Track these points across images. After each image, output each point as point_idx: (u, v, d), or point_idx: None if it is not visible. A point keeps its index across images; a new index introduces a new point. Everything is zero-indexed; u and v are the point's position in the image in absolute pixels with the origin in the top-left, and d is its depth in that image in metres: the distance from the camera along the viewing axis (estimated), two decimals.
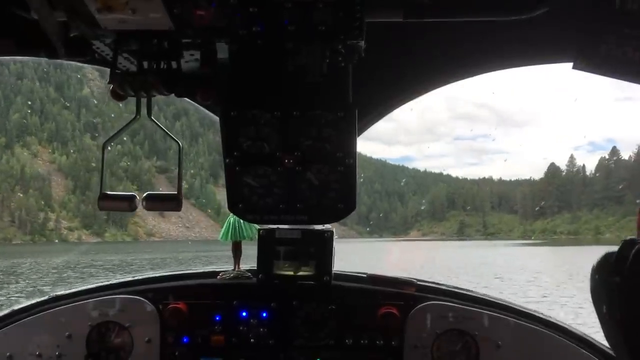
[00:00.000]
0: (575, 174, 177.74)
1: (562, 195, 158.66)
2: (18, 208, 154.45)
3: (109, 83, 1.86)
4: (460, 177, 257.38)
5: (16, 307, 2.82)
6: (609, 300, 1.68)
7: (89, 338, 2.72)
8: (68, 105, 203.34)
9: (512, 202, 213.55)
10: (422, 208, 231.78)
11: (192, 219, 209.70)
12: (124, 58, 1.88)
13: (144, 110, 2.05)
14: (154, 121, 2.08)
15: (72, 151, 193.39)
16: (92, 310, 2.73)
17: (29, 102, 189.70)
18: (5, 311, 2.82)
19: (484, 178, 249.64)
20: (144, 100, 2.08)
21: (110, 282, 2.94)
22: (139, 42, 1.77)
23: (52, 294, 2.86)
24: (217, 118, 2.34)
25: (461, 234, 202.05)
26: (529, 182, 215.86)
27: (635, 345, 1.65)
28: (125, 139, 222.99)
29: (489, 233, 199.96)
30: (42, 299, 2.85)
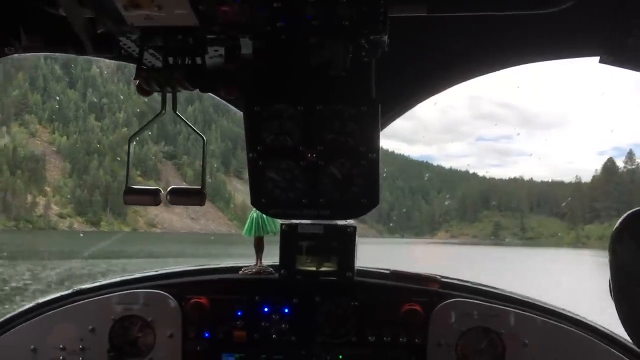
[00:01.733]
0: (634, 172, 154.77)
1: (621, 195, 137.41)
2: (2, 190, 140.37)
3: (134, 79, 1.88)
4: (488, 177, 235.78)
5: (40, 300, 2.86)
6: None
7: (112, 332, 2.75)
8: (65, 81, 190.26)
9: (552, 204, 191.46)
10: (446, 203, 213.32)
11: (198, 210, 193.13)
12: (150, 54, 1.90)
13: (169, 106, 2.08)
14: (179, 116, 2.09)
15: (73, 132, 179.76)
16: (115, 305, 2.76)
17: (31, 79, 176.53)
18: (30, 304, 2.85)
19: (514, 178, 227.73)
20: (168, 95, 2.09)
21: (133, 276, 2.95)
22: (164, 39, 1.79)
23: (76, 288, 2.88)
24: (232, 107, 2.39)
25: (496, 237, 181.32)
26: (574, 184, 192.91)
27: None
28: (134, 119, 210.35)
29: (527, 237, 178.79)
30: (66, 292, 2.87)
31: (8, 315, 2.83)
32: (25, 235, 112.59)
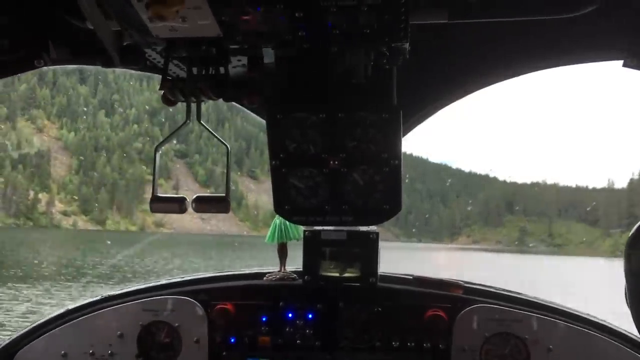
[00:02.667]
0: None
1: None
2: (3, 186, 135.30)
3: (160, 89, 1.91)
4: (509, 181, 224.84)
5: (70, 306, 2.92)
6: None
7: (140, 337, 2.80)
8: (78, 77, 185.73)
9: (580, 209, 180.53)
10: (469, 209, 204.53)
11: None
12: (174, 65, 1.93)
13: (193, 115, 2.12)
14: (203, 125, 2.11)
15: (82, 128, 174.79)
16: (143, 310, 2.82)
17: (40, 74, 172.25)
18: (60, 311, 2.92)
19: (537, 182, 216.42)
20: (193, 105, 2.13)
21: (160, 282, 3.01)
22: (188, 49, 1.82)
23: (105, 295, 2.96)
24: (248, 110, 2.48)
25: (522, 243, 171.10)
26: (607, 189, 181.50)
27: None
28: (145, 116, 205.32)
29: (556, 244, 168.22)
30: (95, 299, 2.94)
31: (39, 321, 2.90)
32: (33, 233, 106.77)
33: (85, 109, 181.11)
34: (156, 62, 1.96)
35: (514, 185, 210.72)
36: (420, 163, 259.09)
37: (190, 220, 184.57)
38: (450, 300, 2.70)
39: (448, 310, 2.66)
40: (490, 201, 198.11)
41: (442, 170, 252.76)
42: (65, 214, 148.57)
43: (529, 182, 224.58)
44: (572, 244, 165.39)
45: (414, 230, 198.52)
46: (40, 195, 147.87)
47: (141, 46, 1.82)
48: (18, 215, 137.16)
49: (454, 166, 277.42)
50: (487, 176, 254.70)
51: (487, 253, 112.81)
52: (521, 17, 2.01)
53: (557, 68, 2.49)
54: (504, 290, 2.88)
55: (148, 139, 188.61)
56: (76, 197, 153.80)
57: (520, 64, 2.47)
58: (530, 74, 2.52)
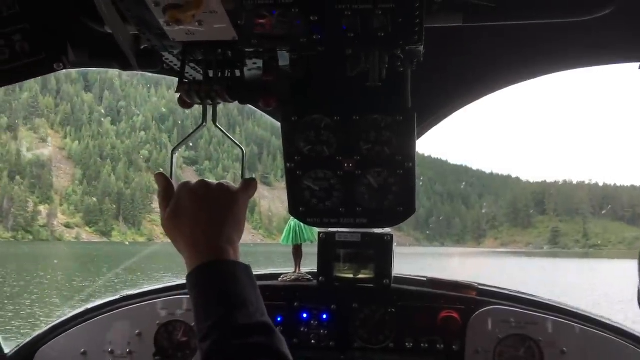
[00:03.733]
0: None
1: None
2: (1, 197, 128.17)
3: (176, 92, 1.95)
4: (534, 181, 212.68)
5: (89, 305, 2.97)
6: None
7: (157, 336, 2.82)
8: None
9: (616, 207, 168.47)
10: (483, 212, 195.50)
11: None
12: (191, 68, 1.97)
13: (209, 117, 2.08)
14: (219, 128, 2.11)
15: (87, 136, 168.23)
16: (160, 310, 2.83)
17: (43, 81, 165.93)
18: (79, 309, 2.97)
19: (569, 181, 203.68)
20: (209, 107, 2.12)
21: (177, 282, 3.03)
22: (204, 53, 1.86)
23: (123, 294, 2.99)
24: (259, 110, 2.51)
25: (554, 244, 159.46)
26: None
27: None
28: (153, 123, 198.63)
29: (592, 245, 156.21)
30: (113, 298, 2.97)
31: (59, 320, 2.94)
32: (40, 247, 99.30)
33: (90, 116, 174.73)
34: (173, 65, 1.98)
35: (542, 184, 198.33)
36: (440, 164, 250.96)
37: None
38: (464, 302, 2.69)
39: (462, 311, 2.66)
40: (519, 201, 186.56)
41: (463, 171, 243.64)
42: (67, 226, 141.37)
43: (559, 180, 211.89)
44: (610, 244, 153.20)
45: (428, 232, 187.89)
46: (41, 207, 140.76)
47: (158, 50, 1.84)
48: (16, 228, 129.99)
49: (475, 167, 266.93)
50: (509, 176, 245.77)
51: (521, 258, 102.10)
52: (536, 21, 2.03)
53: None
54: (518, 292, 2.89)
55: (156, 146, 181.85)
56: (80, 209, 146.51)
57: (535, 66, 2.47)
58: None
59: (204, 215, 1.59)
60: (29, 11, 1.99)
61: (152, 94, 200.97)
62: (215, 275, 1.52)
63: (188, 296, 2.16)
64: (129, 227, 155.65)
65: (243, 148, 2.06)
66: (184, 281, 2.71)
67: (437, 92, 2.56)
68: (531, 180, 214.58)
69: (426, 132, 2.73)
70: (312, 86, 2.21)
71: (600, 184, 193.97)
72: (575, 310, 2.75)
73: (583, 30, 2.12)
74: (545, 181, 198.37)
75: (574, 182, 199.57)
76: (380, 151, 2.27)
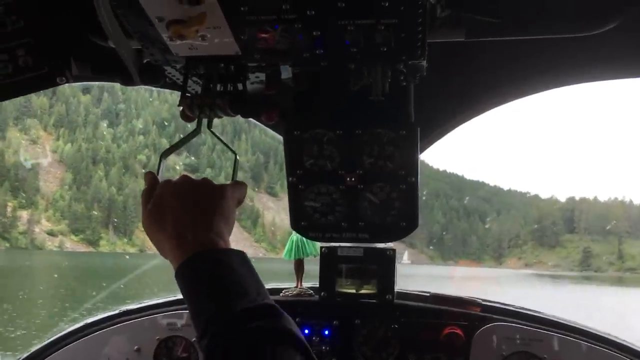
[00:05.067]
0: None
1: None
2: None
3: (178, 105, 1.96)
4: (553, 198, 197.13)
5: (88, 320, 2.95)
6: None
7: (157, 352, 2.80)
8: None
9: None
10: (487, 227, 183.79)
11: None
12: (193, 81, 2.00)
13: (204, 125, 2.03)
14: (213, 133, 2.12)
15: (81, 139, 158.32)
16: (160, 325, 2.82)
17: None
18: (78, 324, 2.94)
19: (601, 200, 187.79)
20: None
21: (177, 297, 3.00)
22: (207, 67, 1.88)
23: (123, 308, 2.97)
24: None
25: (586, 266, 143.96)
26: None
27: None
28: (153, 127, 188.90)
29: (628, 268, 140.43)
30: (112, 312, 2.95)
31: (57, 335, 2.90)
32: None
33: (85, 118, 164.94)
34: (175, 79, 2.00)
35: (571, 201, 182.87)
36: (456, 179, 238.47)
37: None
38: (467, 318, 2.67)
39: (465, 328, 2.64)
40: (546, 218, 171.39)
41: (479, 186, 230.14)
42: (51, 233, 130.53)
43: (589, 196, 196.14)
44: None
45: (439, 250, 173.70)
46: (24, 212, 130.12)
47: (161, 64, 1.85)
48: None
49: (492, 183, 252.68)
50: (527, 193, 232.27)
51: (545, 281, 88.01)
52: (540, 36, 2.01)
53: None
54: (522, 308, 2.85)
55: (155, 151, 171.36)
56: (66, 215, 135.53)
57: (539, 81, 2.46)
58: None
59: (189, 208, 1.47)
60: (32, 26, 1.98)
61: (155, 97, 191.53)
62: (207, 265, 1.39)
63: (188, 311, 2.17)
64: (119, 237, 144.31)
65: (236, 153, 2.04)
66: None
67: (440, 106, 2.54)
68: (549, 197, 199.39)
69: (429, 146, 2.72)
70: (314, 100, 2.20)
71: (636, 202, 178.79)
72: (581, 327, 2.71)
73: (588, 45, 2.09)
74: (573, 197, 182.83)
75: (606, 199, 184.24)
76: (383, 165, 2.24)
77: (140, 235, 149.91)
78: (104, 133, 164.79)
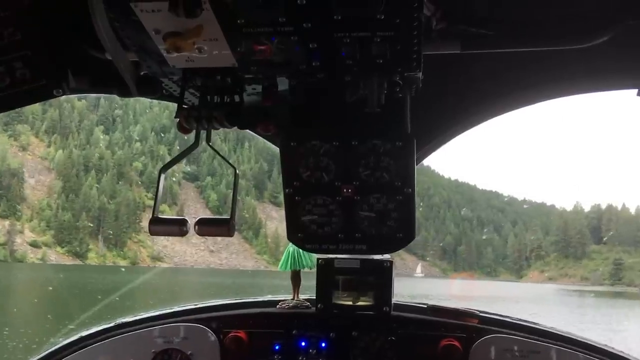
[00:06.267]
0: None
1: None
2: None
3: (175, 117, 1.96)
4: (569, 209, 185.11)
5: (83, 333, 2.94)
6: None
7: None
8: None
9: None
10: (484, 238, 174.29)
11: (219, 240, 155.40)
12: (190, 93, 2.00)
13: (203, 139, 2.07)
14: (212, 147, 2.13)
15: (74, 145, 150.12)
16: (156, 338, 2.82)
17: None
18: (73, 337, 2.93)
19: (620, 207, 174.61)
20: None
21: (173, 309, 3.03)
22: (204, 79, 1.88)
23: (118, 321, 2.97)
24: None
25: (617, 280, 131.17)
26: None
27: None
28: (152, 133, 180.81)
29: None
30: (108, 325, 2.95)
31: (53, 348, 2.90)
32: None
33: (79, 124, 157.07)
34: (172, 90, 2.00)
35: (596, 210, 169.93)
36: (468, 189, 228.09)
37: (194, 253, 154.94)
38: (465, 330, 2.66)
39: (463, 340, 2.62)
40: (571, 227, 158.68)
41: (493, 197, 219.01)
42: (34, 244, 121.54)
43: (617, 204, 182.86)
44: None
45: (453, 263, 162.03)
46: (6, 222, 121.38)
47: (158, 76, 1.86)
48: None
49: (506, 193, 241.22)
50: (543, 204, 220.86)
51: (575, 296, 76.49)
52: (534, 48, 2.03)
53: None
54: (519, 319, 2.85)
55: (152, 158, 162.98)
56: (52, 225, 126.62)
57: (534, 92, 2.47)
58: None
59: None
60: (30, 38, 1.97)
61: (155, 103, 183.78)
62: None
63: (185, 324, 2.34)
64: (110, 248, 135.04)
65: (235, 167, 2.04)
66: (180, 308, 2.91)
67: (437, 117, 2.55)
68: (573, 206, 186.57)
69: (425, 157, 2.73)
70: (311, 112, 2.18)
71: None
72: (578, 339, 2.70)
73: (581, 58, 2.13)
74: (599, 206, 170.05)
75: (635, 206, 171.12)
76: (380, 177, 2.23)
77: (133, 247, 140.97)
78: (100, 139, 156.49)
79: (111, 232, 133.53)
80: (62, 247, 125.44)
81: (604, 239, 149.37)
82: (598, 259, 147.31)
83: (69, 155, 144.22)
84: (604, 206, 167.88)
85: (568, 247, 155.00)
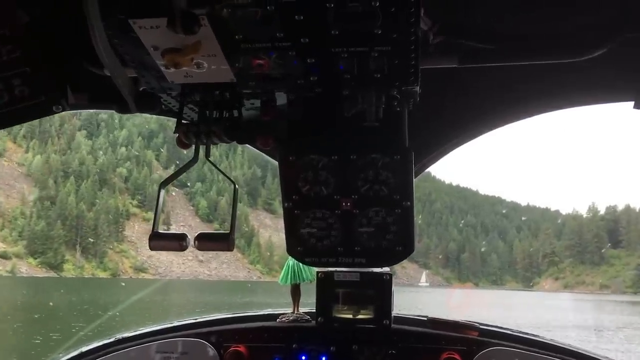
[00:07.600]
0: None
1: None
2: None
3: (174, 132, 1.97)
4: (573, 214, 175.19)
5: (83, 349, 2.93)
6: None
7: None
8: None
9: None
10: (482, 250, 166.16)
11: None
12: (189, 108, 2.01)
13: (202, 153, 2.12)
14: (211, 162, 2.15)
15: (53, 151, 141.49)
16: (156, 353, 2.81)
17: None
18: (73, 353, 2.92)
19: (638, 209, 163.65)
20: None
21: (173, 324, 3.03)
22: (202, 94, 1.90)
23: (118, 336, 2.96)
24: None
25: (638, 287, 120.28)
26: None
27: None
28: (138, 138, 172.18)
29: None
30: (108, 341, 2.95)
31: None
32: None
33: (60, 128, 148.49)
34: (171, 106, 2.02)
35: (612, 212, 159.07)
36: (470, 195, 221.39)
37: (181, 263, 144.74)
38: (465, 343, 2.66)
39: (463, 352, 2.63)
40: (587, 231, 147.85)
41: (496, 202, 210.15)
42: (3, 256, 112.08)
43: (635, 206, 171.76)
44: None
45: (458, 271, 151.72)
46: None
47: (157, 92, 1.88)
48: None
49: (508, 199, 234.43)
50: (547, 209, 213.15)
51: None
52: (531, 62, 2.06)
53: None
54: (520, 332, 2.84)
55: (138, 164, 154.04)
56: (24, 235, 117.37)
57: (530, 106, 2.50)
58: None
59: None
60: (29, 55, 1.97)
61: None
62: None
63: (184, 338, 2.36)
64: (89, 259, 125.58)
65: (235, 182, 2.06)
66: (180, 322, 2.93)
67: (434, 131, 2.59)
68: (572, 214, 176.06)
69: (424, 170, 2.76)
70: (309, 126, 2.19)
71: None
72: (578, 351, 2.69)
73: (578, 71, 2.15)
74: (614, 206, 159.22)
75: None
76: (378, 190, 2.25)
77: (114, 257, 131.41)
78: (81, 144, 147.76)
79: (91, 240, 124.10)
80: (35, 258, 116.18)
81: (622, 243, 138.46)
82: (618, 265, 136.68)
83: (46, 160, 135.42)
84: (620, 207, 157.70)
85: (584, 253, 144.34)
